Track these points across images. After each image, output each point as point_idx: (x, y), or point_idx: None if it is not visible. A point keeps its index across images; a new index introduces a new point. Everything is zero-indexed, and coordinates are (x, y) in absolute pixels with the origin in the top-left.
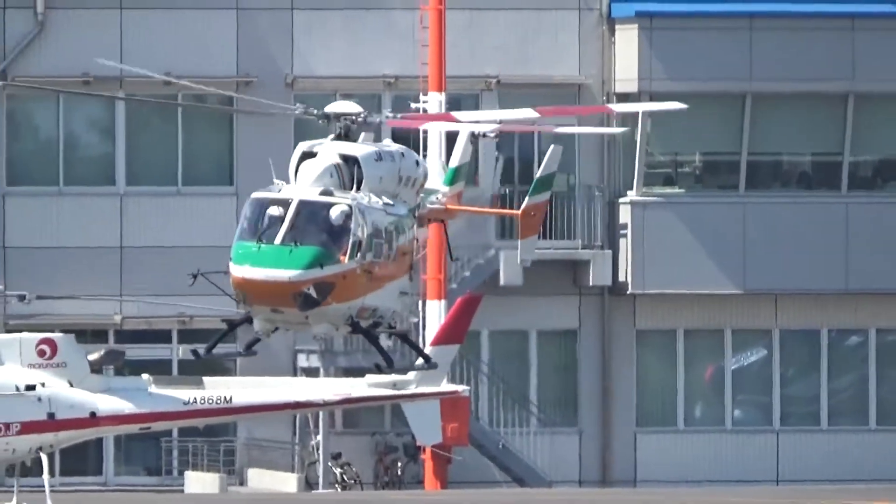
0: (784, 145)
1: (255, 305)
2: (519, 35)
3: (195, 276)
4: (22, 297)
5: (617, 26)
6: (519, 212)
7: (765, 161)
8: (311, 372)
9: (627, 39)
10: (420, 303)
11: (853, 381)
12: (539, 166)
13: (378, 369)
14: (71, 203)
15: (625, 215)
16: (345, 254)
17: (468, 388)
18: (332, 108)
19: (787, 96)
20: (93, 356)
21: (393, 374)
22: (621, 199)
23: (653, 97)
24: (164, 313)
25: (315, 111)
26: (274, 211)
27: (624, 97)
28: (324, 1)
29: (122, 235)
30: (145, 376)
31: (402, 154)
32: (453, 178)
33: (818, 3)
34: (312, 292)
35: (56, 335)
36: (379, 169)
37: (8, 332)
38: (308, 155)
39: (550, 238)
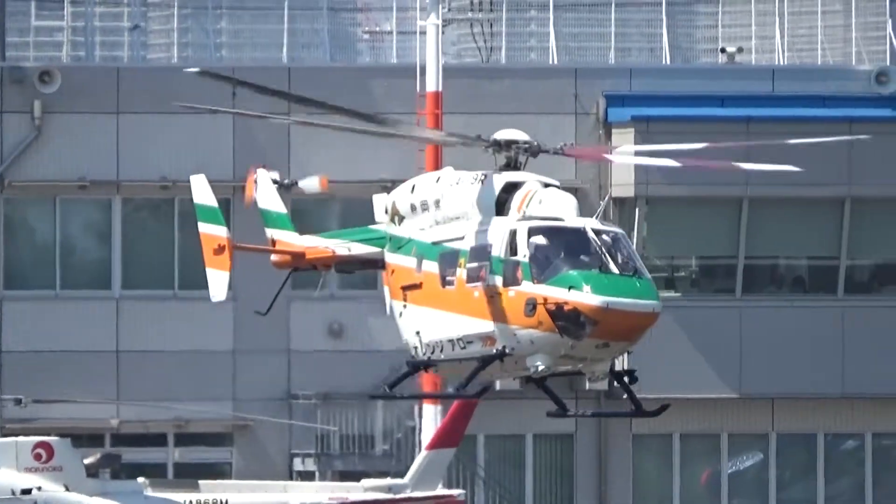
0: (781, 249)
1: (598, 337)
2: None
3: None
4: (18, 401)
5: (613, 131)
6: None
7: (761, 265)
8: (307, 475)
9: (624, 144)
10: (416, 407)
11: (849, 485)
12: None
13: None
14: (67, 307)
15: None
16: None
17: (464, 492)
18: (501, 135)
19: (784, 200)
20: (89, 460)
21: (388, 479)
22: None
23: (649, 202)
24: (161, 417)
25: (485, 139)
26: (573, 240)
27: (621, 202)
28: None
29: (118, 339)
30: (141, 480)
31: None
32: None
33: (815, 108)
34: None
35: (52, 439)
36: None
37: (4, 436)
38: (514, 185)
39: None
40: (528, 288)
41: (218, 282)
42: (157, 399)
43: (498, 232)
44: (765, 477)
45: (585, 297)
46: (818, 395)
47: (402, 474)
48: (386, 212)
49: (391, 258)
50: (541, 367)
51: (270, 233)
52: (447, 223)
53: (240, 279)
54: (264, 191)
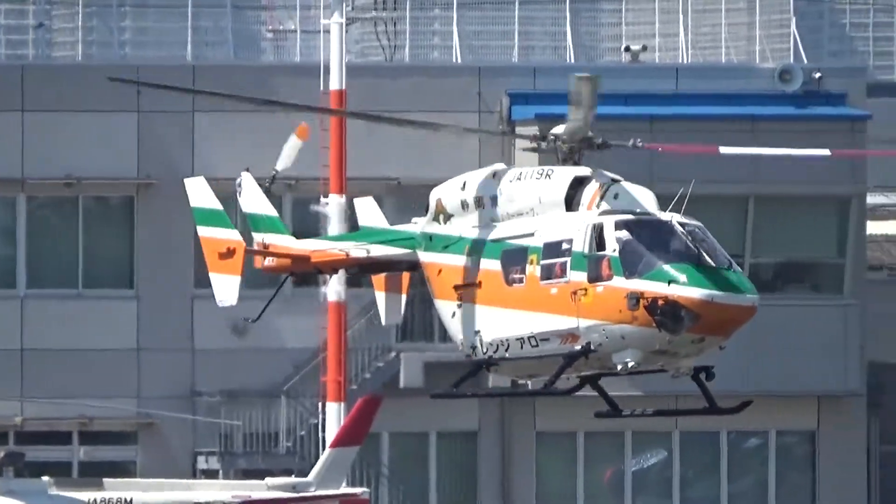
0: None
1: (697, 332)
2: (419, 136)
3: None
4: None
5: (517, 128)
6: None
7: None
8: (211, 474)
9: (528, 142)
10: (319, 404)
11: (753, 483)
12: None
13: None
14: None
15: None
16: None
17: (367, 490)
18: (560, 130)
19: (689, 198)
20: None
21: (292, 477)
22: None
23: None
24: (65, 415)
25: (543, 134)
26: (664, 233)
27: None
28: (225, 103)
29: (22, 338)
30: (45, 478)
31: None
32: None
33: (719, 106)
34: None
35: None
36: None
37: None
38: (584, 179)
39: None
40: (621, 283)
41: (227, 286)
42: (62, 397)
43: (577, 227)
44: (668, 475)
45: (688, 291)
46: (722, 393)
47: (305, 472)
48: (426, 210)
49: (435, 258)
50: (630, 364)
51: (261, 237)
52: (508, 220)
53: (144, 277)
54: (250, 194)
